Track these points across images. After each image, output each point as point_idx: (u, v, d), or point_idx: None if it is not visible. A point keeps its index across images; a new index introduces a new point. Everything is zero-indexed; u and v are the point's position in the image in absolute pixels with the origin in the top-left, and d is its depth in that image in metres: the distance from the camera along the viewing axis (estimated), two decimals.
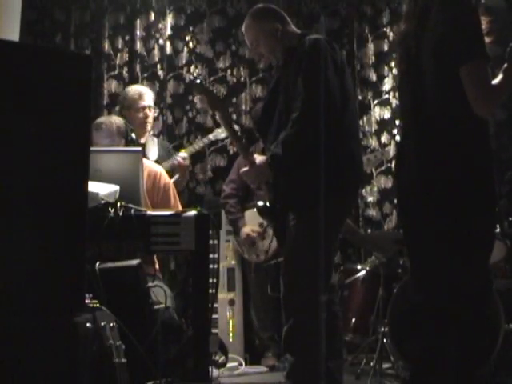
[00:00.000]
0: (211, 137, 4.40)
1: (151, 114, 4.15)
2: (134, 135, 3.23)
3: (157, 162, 4.14)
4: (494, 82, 2.11)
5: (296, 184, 2.73)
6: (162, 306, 2.48)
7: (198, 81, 3.12)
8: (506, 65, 2.14)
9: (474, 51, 2.09)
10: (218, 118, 2.97)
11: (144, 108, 4.08)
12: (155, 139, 4.38)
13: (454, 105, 2.15)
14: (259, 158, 2.79)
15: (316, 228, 2.63)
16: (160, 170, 3.26)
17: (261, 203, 2.97)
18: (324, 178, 2.63)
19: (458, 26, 2.12)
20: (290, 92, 2.76)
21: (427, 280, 2.27)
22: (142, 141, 4.16)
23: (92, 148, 1.84)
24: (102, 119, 3.35)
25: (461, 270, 2.16)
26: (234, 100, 5.14)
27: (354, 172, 2.81)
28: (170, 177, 3.68)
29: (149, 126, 4.16)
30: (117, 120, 3.30)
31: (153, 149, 4.22)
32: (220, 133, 4.39)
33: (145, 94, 4.13)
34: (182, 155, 4.15)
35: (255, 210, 4.30)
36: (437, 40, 2.15)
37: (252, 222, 4.38)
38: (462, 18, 2.14)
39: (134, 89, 4.24)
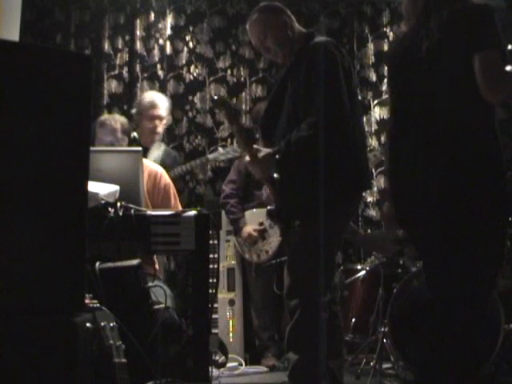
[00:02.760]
0: (210, 157, 4.39)
1: (162, 124, 4.16)
2: (136, 134, 3.25)
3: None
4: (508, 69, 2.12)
5: (302, 192, 2.72)
6: (162, 305, 2.48)
7: (216, 97, 3.14)
8: None
9: (487, 40, 2.09)
10: (233, 131, 2.95)
11: (153, 117, 4.11)
12: (162, 146, 4.35)
13: (465, 101, 2.15)
14: (264, 151, 2.74)
15: (320, 233, 2.64)
16: (161, 171, 3.26)
17: (271, 207, 2.95)
18: (330, 186, 2.62)
19: (473, 19, 2.13)
20: (299, 95, 2.71)
21: (431, 279, 2.27)
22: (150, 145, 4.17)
23: (92, 148, 1.84)
24: (106, 116, 3.42)
25: (462, 270, 2.16)
26: (234, 100, 5.15)
27: (360, 180, 2.81)
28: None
29: (156, 137, 4.18)
30: (121, 118, 3.35)
31: (156, 153, 4.19)
32: (221, 154, 4.36)
33: (159, 103, 4.14)
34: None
35: (254, 211, 4.35)
36: (450, 32, 2.15)
37: (252, 222, 4.38)
38: (478, 11, 2.15)
39: (149, 96, 4.25)
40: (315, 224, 2.68)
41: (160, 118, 4.13)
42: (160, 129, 4.17)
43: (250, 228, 4.36)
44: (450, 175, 2.14)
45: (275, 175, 2.85)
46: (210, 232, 2.53)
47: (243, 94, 5.18)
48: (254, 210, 4.37)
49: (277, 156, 2.70)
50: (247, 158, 2.79)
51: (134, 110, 4.32)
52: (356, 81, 2.87)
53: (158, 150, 4.24)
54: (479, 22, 2.13)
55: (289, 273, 2.79)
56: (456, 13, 2.17)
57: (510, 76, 2.11)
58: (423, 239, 2.29)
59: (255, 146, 2.77)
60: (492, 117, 2.18)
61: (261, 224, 4.34)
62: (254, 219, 4.36)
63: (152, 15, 5.18)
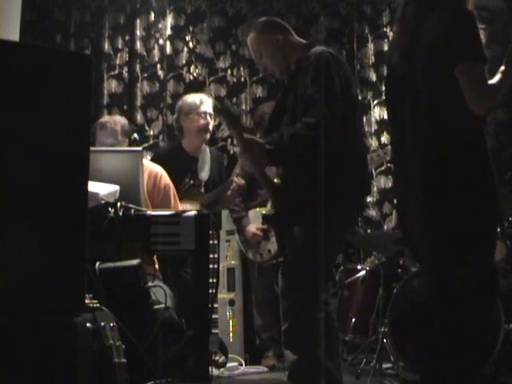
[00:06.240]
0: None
1: (212, 121, 4.02)
2: (136, 135, 3.24)
3: (207, 184, 4.01)
4: (492, 80, 2.13)
5: (301, 198, 2.72)
6: (162, 305, 2.48)
7: (218, 105, 3.07)
8: (504, 64, 2.15)
9: (470, 51, 2.10)
10: (234, 137, 2.90)
11: (205, 113, 3.98)
12: (207, 149, 4.15)
13: (451, 106, 2.16)
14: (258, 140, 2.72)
15: (318, 236, 2.64)
16: (161, 171, 3.26)
17: (267, 212, 2.94)
18: (330, 194, 2.61)
19: (456, 28, 2.14)
20: (300, 103, 2.69)
21: (429, 279, 2.28)
22: (197, 154, 4.05)
23: (92, 148, 1.84)
24: (106, 118, 3.38)
25: (461, 269, 2.17)
26: (234, 100, 5.15)
27: (360, 189, 2.80)
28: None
29: (207, 135, 4.04)
30: (121, 120, 3.34)
31: (206, 166, 4.04)
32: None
33: (205, 101, 4.02)
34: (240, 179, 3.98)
35: (258, 210, 4.34)
36: (434, 42, 2.16)
37: (256, 221, 4.38)
38: (460, 20, 2.15)
39: (193, 95, 4.12)
40: (313, 230, 2.68)
41: (210, 115, 4.00)
42: (211, 126, 4.04)
43: (254, 227, 4.36)
44: (437, 181, 2.16)
45: (275, 180, 2.84)
46: (210, 232, 2.53)
47: (243, 94, 5.18)
48: (257, 208, 4.37)
49: (268, 146, 2.68)
50: (239, 147, 2.75)
51: (175, 116, 4.17)
52: (355, 87, 2.84)
53: (205, 155, 4.06)
54: (461, 31, 2.13)
55: (285, 274, 2.79)
56: (438, 21, 2.17)
57: (493, 87, 2.13)
58: (416, 242, 2.31)
59: (249, 136, 2.72)
60: (478, 122, 2.19)
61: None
62: (258, 218, 4.36)
63: (152, 15, 5.18)
